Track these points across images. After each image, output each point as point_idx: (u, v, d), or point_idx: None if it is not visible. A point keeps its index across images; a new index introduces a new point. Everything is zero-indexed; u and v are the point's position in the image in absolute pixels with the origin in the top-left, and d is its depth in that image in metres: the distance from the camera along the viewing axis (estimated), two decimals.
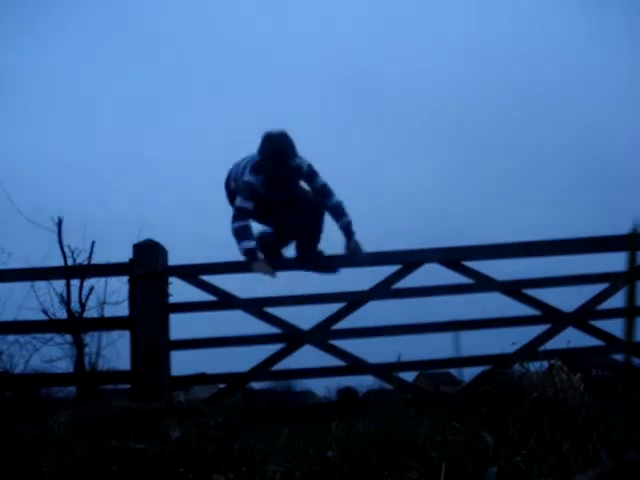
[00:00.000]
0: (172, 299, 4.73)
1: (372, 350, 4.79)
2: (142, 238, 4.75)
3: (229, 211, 4.66)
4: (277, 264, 4.71)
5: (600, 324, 4.72)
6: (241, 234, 4.52)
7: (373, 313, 4.80)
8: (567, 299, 4.77)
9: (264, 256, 4.65)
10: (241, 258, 4.61)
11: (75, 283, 4.72)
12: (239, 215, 4.53)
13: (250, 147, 4.71)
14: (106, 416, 3.53)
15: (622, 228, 4.39)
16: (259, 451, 2.04)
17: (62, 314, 4.71)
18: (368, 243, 4.82)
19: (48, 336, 4.79)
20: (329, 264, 4.86)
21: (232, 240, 4.56)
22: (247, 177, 4.51)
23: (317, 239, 4.89)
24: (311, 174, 4.70)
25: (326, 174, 4.73)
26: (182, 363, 4.71)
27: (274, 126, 4.59)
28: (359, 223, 4.79)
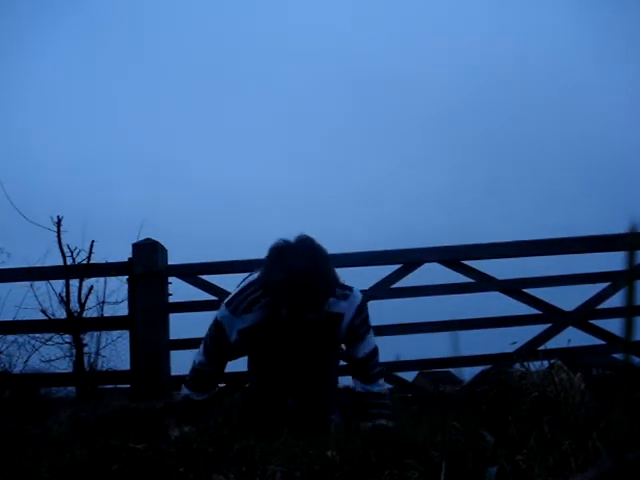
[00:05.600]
0: (172, 299, 4.73)
1: None
2: (142, 237, 4.76)
3: (229, 211, 4.63)
4: None
5: (600, 323, 4.72)
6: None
7: (372, 313, 4.79)
8: (567, 298, 4.77)
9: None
10: (241, 258, 4.60)
11: (74, 283, 4.72)
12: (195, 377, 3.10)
13: (251, 147, 4.65)
14: (106, 416, 3.53)
15: (622, 227, 4.39)
16: (259, 451, 2.04)
17: (61, 314, 4.71)
18: (371, 243, 4.80)
19: (47, 336, 4.79)
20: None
21: (231, 240, 4.51)
22: (240, 320, 2.88)
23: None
24: (356, 333, 3.01)
25: (328, 174, 4.66)
26: (182, 363, 4.71)
27: (277, 127, 4.49)
28: (361, 223, 4.78)
